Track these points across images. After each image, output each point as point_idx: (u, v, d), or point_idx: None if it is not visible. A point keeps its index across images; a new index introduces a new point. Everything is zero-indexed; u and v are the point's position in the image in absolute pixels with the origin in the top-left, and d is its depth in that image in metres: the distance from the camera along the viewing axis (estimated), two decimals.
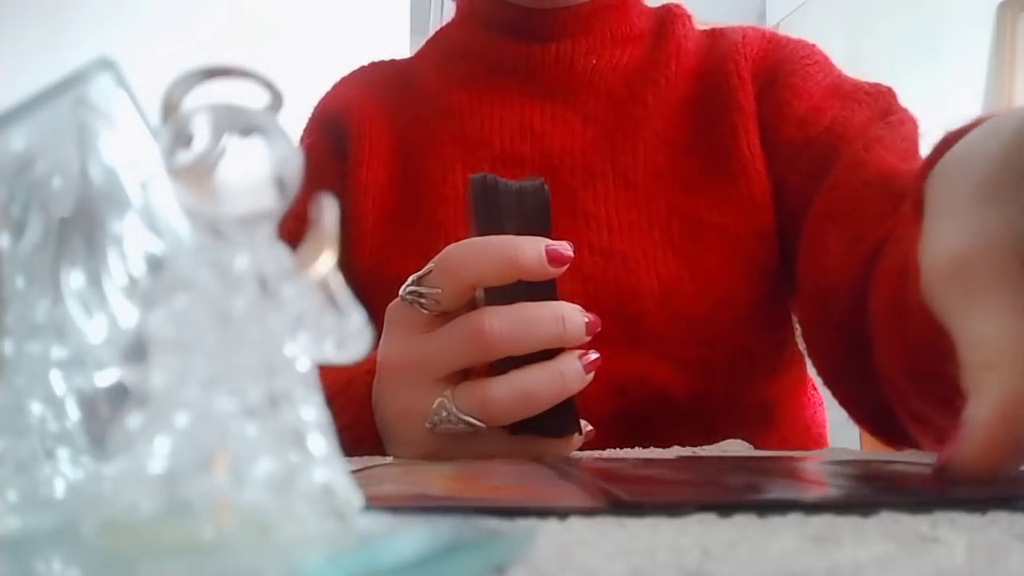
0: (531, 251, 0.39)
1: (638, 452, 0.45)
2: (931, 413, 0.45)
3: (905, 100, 0.61)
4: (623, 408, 0.55)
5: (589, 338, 0.40)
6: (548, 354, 0.40)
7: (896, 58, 2.76)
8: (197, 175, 0.14)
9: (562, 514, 0.20)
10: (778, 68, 0.63)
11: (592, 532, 0.18)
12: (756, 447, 0.52)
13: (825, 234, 0.53)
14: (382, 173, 0.65)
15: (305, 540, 0.14)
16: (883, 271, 0.44)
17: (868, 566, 0.14)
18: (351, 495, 0.15)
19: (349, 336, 0.15)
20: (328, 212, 0.16)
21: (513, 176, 0.42)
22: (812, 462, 0.35)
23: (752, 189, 0.59)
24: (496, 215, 0.41)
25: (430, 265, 0.40)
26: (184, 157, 0.14)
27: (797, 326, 0.60)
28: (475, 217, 0.41)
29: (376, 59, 0.75)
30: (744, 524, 0.19)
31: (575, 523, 0.19)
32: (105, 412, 0.18)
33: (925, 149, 0.60)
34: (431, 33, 0.74)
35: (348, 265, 0.62)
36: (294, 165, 0.15)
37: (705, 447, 0.49)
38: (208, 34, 2.29)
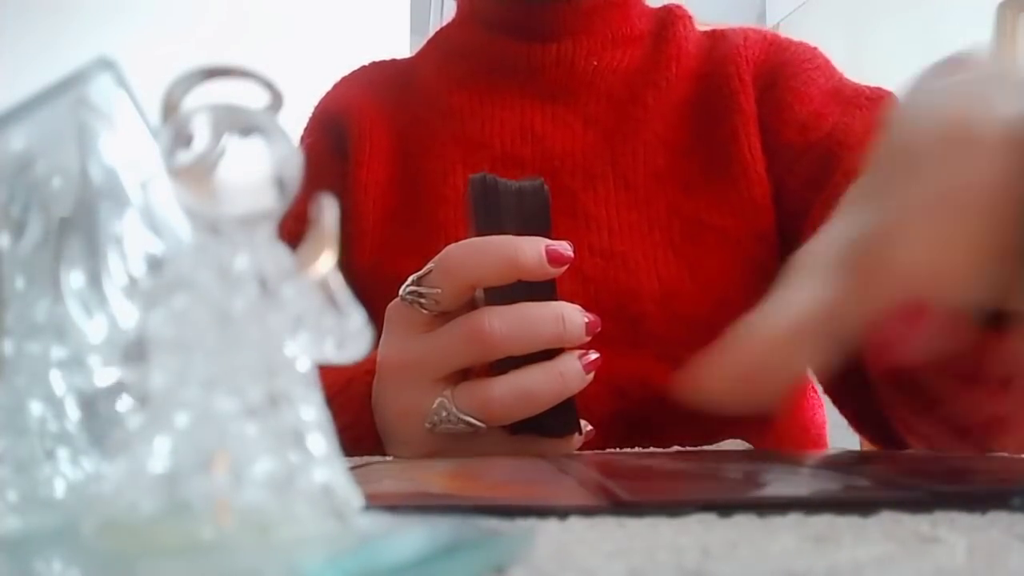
0: (531, 251, 0.39)
1: (638, 452, 0.45)
2: (915, 421, 0.45)
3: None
4: (623, 409, 0.55)
5: (589, 338, 0.40)
6: (548, 354, 0.40)
7: (896, 58, 2.76)
8: (197, 175, 0.14)
9: (562, 514, 0.20)
10: (779, 71, 0.63)
11: (592, 532, 0.18)
12: (754, 448, 0.52)
13: None
14: (382, 173, 0.65)
15: (305, 540, 0.14)
16: None
17: (868, 566, 0.14)
18: (351, 495, 0.15)
19: (349, 336, 0.15)
20: (328, 212, 0.16)
21: (514, 178, 0.42)
22: (811, 459, 0.35)
23: (752, 192, 0.59)
24: (496, 215, 0.41)
25: (430, 265, 0.40)
26: (184, 157, 0.14)
27: None
28: (475, 217, 0.41)
29: (377, 59, 0.75)
30: (744, 524, 0.19)
31: (575, 523, 0.19)
32: (105, 412, 0.18)
33: None
34: (431, 33, 0.74)
35: (348, 265, 0.62)
36: (294, 165, 0.15)
37: (705, 447, 0.49)
38: (208, 34, 2.29)
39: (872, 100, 0.60)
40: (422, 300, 0.40)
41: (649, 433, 0.55)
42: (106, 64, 0.18)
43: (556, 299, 0.40)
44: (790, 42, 0.66)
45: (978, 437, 0.41)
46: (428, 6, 3.11)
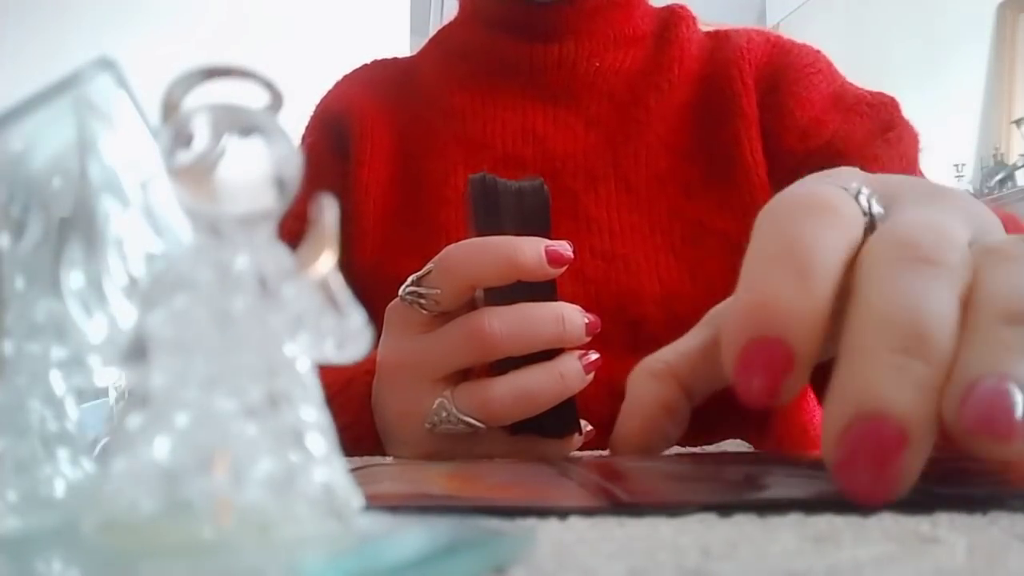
0: (531, 251, 0.39)
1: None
2: None
3: (905, 101, 0.61)
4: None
5: (589, 339, 0.40)
6: (548, 355, 0.40)
7: (896, 59, 2.76)
8: (197, 175, 0.14)
9: (562, 514, 0.20)
10: (781, 75, 0.62)
11: (592, 532, 0.18)
12: (754, 449, 0.52)
13: None
14: (383, 173, 0.65)
15: (305, 540, 0.14)
16: None
17: (868, 566, 0.14)
18: (351, 495, 0.15)
19: (349, 336, 0.15)
20: (328, 212, 0.16)
21: (515, 179, 0.42)
22: (811, 459, 0.35)
23: (754, 196, 0.59)
24: (495, 215, 0.41)
25: (429, 265, 0.40)
26: (184, 157, 0.14)
27: None
28: (474, 217, 0.41)
29: (378, 58, 0.75)
30: (744, 524, 0.19)
31: (575, 523, 0.19)
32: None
33: (925, 160, 0.60)
34: (431, 33, 0.74)
35: (349, 265, 0.62)
36: (294, 165, 0.15)
37: (705, 447, 0.49)
38: (208, 34, 2.29)
39: (873, 107, 0.60)
40: (422, 300, 0.40)
41: None
42: (106, 64, 0.18)
43: (556, 299, 0.40)
44: (793, 44, 0.66)
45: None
46: (428, 6, 3.11)
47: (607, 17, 0.65)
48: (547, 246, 0.39)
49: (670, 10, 0.69)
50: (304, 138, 0.70)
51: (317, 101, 0.72)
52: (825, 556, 0.15)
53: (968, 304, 0.23)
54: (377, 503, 0.17)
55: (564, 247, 0.39)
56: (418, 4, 2.80)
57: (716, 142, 0.61)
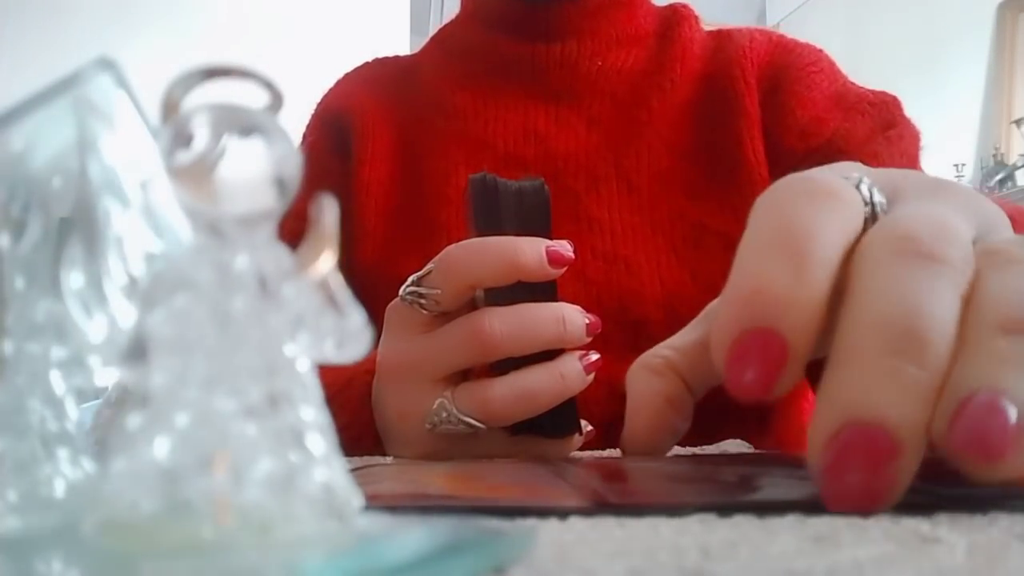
0: (531, 252, 0.39)
1: None
2: None
3: (905, 100, 0.61)
4: (622, 413, 0.55)
5: (590, 339, 0.40)
6: (548, 355, 0.40)
7: (896, 58, 2.76)
8: (197, 175, 0.14)
9: (562, 514, 0.20)
10: (783, 74, 0.62)
11: (592, 532, 0.18)
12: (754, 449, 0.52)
13: None
14: (385, 172, 0.65)
15: (305, 540, 0.14)
16: None
17: (868, 566, 0.14)
18: (351, 495, 0.15)
19: (349, 336, 0.15)
20: (328, 212, 0.16)
21: (516, 179, 0.42)
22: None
23: (756, 196, 0.59)
24: (496, 215, 0.40)
25: (430, 266, 0.40)
26: (184, 157, 0.14)
27: None
28: (474, 217, 0.41)
29: (380, 55, 0.75)
30: (744, 524, 0.19)
31: (575, 523, 0.19)
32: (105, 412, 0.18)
33: (925, 160, 0.60)
34: (431, 33, 0.74)
35: (350, 264, 0.62)
36: (294, 165, 0.15)
37: (705, 447, 0.49)
38: (208, 34, 2.29)
39: (875, 105, 0.59)
40: (422, 300, 0.40)
41: None
42: (106, 64, 0.18)
43: (557, 300, 0.40)
44: (796, 44, 0.66)
45: None
46: (428, 6, 3.11)
47: (609, 16, 0.64)
48: (548, 246, 0.39)
49: (672, 9, 0.69)
50: (305, 137, 0.70)
51: (317, 101, 0.72)
52: (825, 556, 0.15)
53: (967, 308, 0.22)
54: (377, 503, 0.17)
55: (565, 247, 0.39)
56: (418, 4, 2.80)
57: (718, 142, 0.61)
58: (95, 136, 0.18)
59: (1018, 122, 2.75)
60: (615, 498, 0.22)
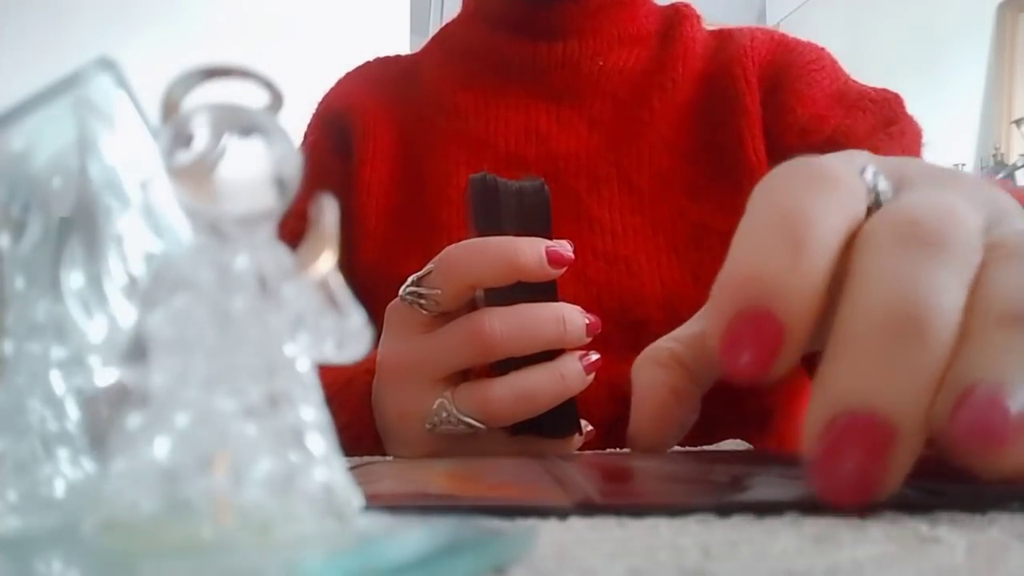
0: (531, 252, 0.39)
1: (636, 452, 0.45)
2: None
3: (905, 100, 0.61)
4: (624, 415, 0.55)
5: (590, 339, 0.40)
6: (548, 355, 0.40)
7: (896, 58, 2.76)
8: (197, 175, 0.14)
9: (562, 514, 0.20)
10: (784, 72, 0.62)
11: (592, 532, 0.18)
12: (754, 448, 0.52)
13: None
14: (385, 172, 0.65)
15: (305, 540, 0.14)
16: None
17: (868, 566, 0.14)
18: (351, 495, 0.15)
19: (349, 336, 0.15)
20: (328, 212, 0.16)
21: (517, 179, 0.42)
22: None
23: None
24: (496, 215, 0.40)
25: (430, 266, 0.40)
26: (184, 157, 0.14)
27: None
28: (474, 217, 0.41)
29: (380, 55, 0.75)
30: (744, 524, 0.19)
31: (575, 523, 0.19)
32: (105, 412, 0.18)
33: (926, 157, 0.60)
34: (431, 33, 0.74)
35: (350, 264, 0.62)
36: (294, 165, 0.15)
37: (704, 447, 0.49)
38: (208, 34, 2.29)
39: (877, 102, 0.59)
40: (422, 301, 0.40)
41: None
42: (106, 64, 0.18)
43: (557, 300, 0.40)
44: (797, 42, 0.66)
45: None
46: (428, 6, 3.11)
47: (611, 16, 0.64)
48: (548, 247, 0.39)
49: (674, 8, 0.69)
50: (306, 136, 0.70)
51: (317, 101, 0.72)
52: (825, 556, 0.15)
53: (972, 297, 0.21)
54: (377, 502, 0.17)
55: (565, 247, 0.39)
56: (418, 4, 2.80)
57: (720, 142, 0.61)
58: (95, 136, 0.18)
59: (1018, 122, 2.75)
60: (615, 498, 0.22)
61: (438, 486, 0.27)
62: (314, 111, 0.71)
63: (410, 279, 0.41)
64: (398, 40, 2.49)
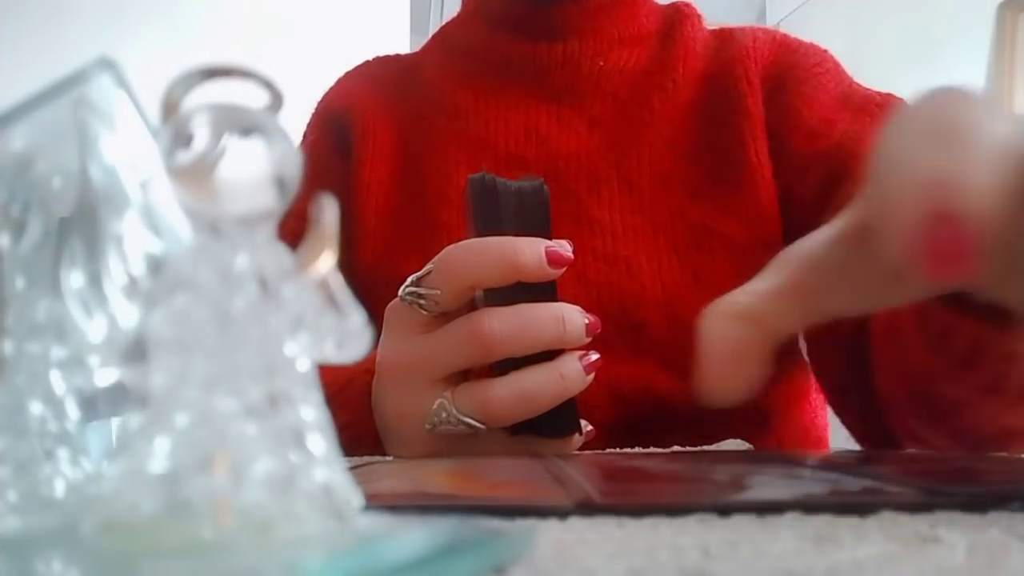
0: (531, 252, 0.39)
1: (636, 452, 0.45)
2: (926, 433, 0.45)
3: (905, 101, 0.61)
4: (624, 416, 0.55)
5: (590, 339, 0.40)
6: (548, 355, 0.40)
7: (896, 58, 2.76)
8: (197, 175, 0.14)
9: (562, 514, 0.20)
10: (788, 74, 0.62)
11: (592, 532, 0.18)
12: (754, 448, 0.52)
13: None
14: (385, 172, 0.65)
15: (305, 540, 0.14)
16: None
17: (868, 566, 0.14)
18: (351, 495, 0.15)
19: (349, 336, 0.15)
20: (328, 212, 0.16)
21: (517, 179, 0.42)
22: (810, 459, 0.35)
23: (759, 198, 0.58)
24: (495, 215, 0.40)
25: (429, 266, 0.40)
26: (184, 157, 0.14)
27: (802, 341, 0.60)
28: (474, 217, 0.41)
29: (380, 54, 0.74)
30: (744, 524, 0.19)
31: (575, 523, 0.19)
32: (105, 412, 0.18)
33: None
34: (431, 33, 0.74)
35: (350, 264, 0.62)
36: (294, 165, 0.15)
37: (704, 447, 0.49)
38: (208, 34, 2.29)
39: (882, 107, 0.59)
40: (421, 301, 0.40)
41: (649, 441, 0.54)
42: (106, 64, 0.18)
43: (556, 300, 0.40)
44: (800, 43, 0.66)
45: (988, 448, 0.42)
46: (428, 6, 3.11)
47: (612, 16, 0.64)
48: (547, 247, 0.39)
49: (675, 8, 0.68)
50: (305, 135, 0.70)
51: (317, 100, 0.71)
52: (825, 556, 0.15)
53: None
54: (377, 502, 0.17)
55: (564, 247, 0.39)
56: (418, 4, 2.80)
57: (721, 143, 0.61)
58: (95, 136, 0.18)
59: None
60: (615, 498, 0.22)
61: (438, 486, 0.27)
62: (313, 110, 0.71)
63: (410, 279, 0.41)
64: (398, 40, 2.49)
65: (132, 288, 0.18)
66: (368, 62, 0.73)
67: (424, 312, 0.40)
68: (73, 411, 0.18)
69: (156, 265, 0.18)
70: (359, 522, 0.15)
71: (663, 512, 0.20)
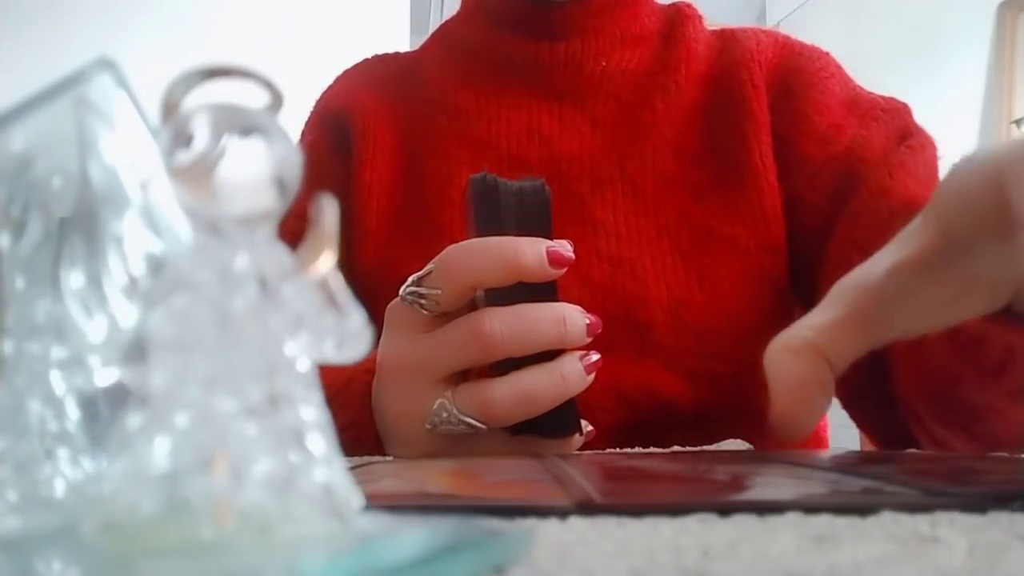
0: (531, 252, 0.39)
1: (636, 452, 0.45)
2: (949, 437, 0.45)
3: (905, 100, 0.61)
4: (628, 419, 0.55)
5: (590, 339, 0.40)
6: (549, 355, 0.40)
7: (896, 58, 2.76)
8: (197, 175, 0.14)
9: (562, 514, 0.20)
10: (794, 78, 0.62)
11: (592, 532, 0.18)
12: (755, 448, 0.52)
13: (850, 262, 0.52)
14: (386, 172, 0.64)
15: (305, 540, 0.14)
16: None
17: (868, 566, 0.14)
18: (351, 495, 0.15)
19: (349, 336, 0.15)
20: (328, 212, 0.16)
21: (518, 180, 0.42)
22: (810, 459, 0.35)
23: (763, 201, 0.58)
24: (496, 215, 0.40)
25: (430, 266, 0.40)
26: (184, 157, 0.14)
27: None
28: (475, 217, 0.41)
29: (380, 52, 0.74)
30: (744, 524, 0.19)
31: (575, 523, 0.19)
32: (105, 412, 0.18)
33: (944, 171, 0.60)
34: (431, 32, 0.74)
35: (351, 265, 0.62)
36: (294, 165, 0.15)
37: (705, 447, 0.49)
38: (208, 34, 2.29)
39: (887, 112, 0.59)
40: (422, 301, 0.40)
41: (651, 442, 0.54)
42: (106, 64, 0.18)
43: (557, 300, 0.40)
44: (802, 46, 0.66)
45: (1011, 451, 0.42)
46: (428, 6, 3.11)
47: (614, 16, 0.64)
48: (548, 247, 0.39)
49: (676, 8, 0.68)
50: (304, 135, 0.69)
51: (318, 96, 0.71)
52: (825, 556, 0.15)
53: None
54: (377, 502, 0.17)
55: (565, 247, 0.39)
56: (418, 4, 2.80)
57: (725, 145, 0.60)
58: (95, 136, 0.18)
59: (1018, 122, 2.75)
60: (615, 498, 0.22)
61: (438, 486, 0.27)
62: (312, 109, 0.70)
63: (410, 279, 0.41)
64: (398, 40, 2.49)
65: (132, 288, 0.18)
66: (367, 60, 0.73)
67: (425, 312, 0.40)
68: (73, 411, 0.18)
69: (156, 265, 0.18)
70: (359, 522, 0.15)
71: (663, 512, 0.20)
